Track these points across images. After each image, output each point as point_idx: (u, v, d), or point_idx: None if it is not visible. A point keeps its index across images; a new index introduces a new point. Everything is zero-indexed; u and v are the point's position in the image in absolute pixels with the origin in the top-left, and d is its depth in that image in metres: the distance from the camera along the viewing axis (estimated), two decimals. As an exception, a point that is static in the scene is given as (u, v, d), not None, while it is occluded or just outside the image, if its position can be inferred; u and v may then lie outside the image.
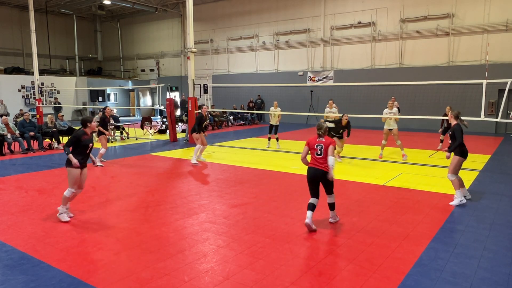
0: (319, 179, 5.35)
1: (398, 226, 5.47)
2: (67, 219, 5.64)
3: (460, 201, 6.44)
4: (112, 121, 14.61)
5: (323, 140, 5.35)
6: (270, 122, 13.00)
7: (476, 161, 10.33)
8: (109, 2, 24.20)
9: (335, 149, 5.66)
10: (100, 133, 10.09)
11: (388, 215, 5.96)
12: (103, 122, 10.46)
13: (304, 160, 5.53)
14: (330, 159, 5.24)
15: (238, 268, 4.18)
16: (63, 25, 30.00)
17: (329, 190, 5.45)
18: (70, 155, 5.60)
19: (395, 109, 10.90)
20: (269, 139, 13.20)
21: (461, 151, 6.58)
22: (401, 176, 8.63)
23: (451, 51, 18.12)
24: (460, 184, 6.60)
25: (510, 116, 16.05)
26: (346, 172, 9.04)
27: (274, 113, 12.70)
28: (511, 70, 15.77)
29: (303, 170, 9.30)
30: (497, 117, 12.50)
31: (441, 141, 12.63)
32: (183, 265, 4.26)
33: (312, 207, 5.32)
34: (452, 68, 17.91)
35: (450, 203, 6.48)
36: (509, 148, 12.81)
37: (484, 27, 17.26)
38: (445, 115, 12.21)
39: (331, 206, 5.56)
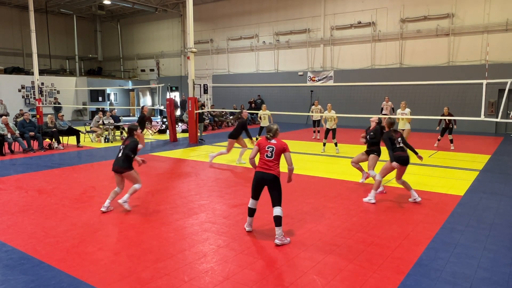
0: (266, 183, 4.99)
1: (398, 226, 5.47)
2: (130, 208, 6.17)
3: (370, 200, 6.57)
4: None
5: (275, 142, 5.01)
6: (261, 124, 13.53)
7: (476, 161, 10.34)
8: (109, 2, 24.20)
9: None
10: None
11: (388, 215, 5.96)
12: (142, 120, 11.07)
13: (252, 161, 5.16)
14: (290, 170, 5.05)
15: (238, 268, 4.18)
16: (63, 25, 30.00)
17: (277, 200, 4.95)
18: (136, 158, 6.29)
19: (407, 110, 11.04)
20: (257, 138, 13.40)
21: (396, 158, 6.41)
22: (401, 176, 8.63)
23: (451, 51, 18.12)
24: (378, 186, 6.68)
25: (510, 116, 16.04)
26: (346, 172, 9.03)
27: (264, 116, 13.43)
28: (511, 70, 15.77)
29: (302, 170, 9.33)
30: (497, 117, 12.50)
31: (438, 140, 12.89)
32: (183, 265, 4.26)
33: (251, 212, 5.18)
34: (452, 68, 17.91)
35: (364, 199, 6.66)
36: (509, 148, 12.81)
37: (484, 27, 17.26)
38: (443, 115, 12.38)
39: (277, 221, 4.84)
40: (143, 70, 30.85)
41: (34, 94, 21.76)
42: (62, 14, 28.95)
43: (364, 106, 18.94)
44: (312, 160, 10.75)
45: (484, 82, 9.44)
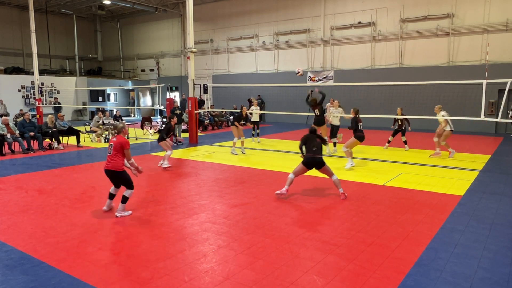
0: (109, 175, 5.86)
1: (398, 226, 5.47)
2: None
3: (351, 165, 9.28)
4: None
5: (115, 140, 5.84)
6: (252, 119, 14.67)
7: (476, 161, 10.34)
8: (109, 2, 24.20)
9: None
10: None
11: (388, 215, 5.96)
12: (239, 119, 12.10)
13: None
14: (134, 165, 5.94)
15: (238, 268, 4.18)
16: (63, 25, 30.00)
17: (125, 185, 5.88)
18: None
19: (442, 112, 10.76)
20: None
21: (357, 136, 9.22)
22: (401, 176, 8.63)
23: (451, 51, 18.12)
24: (351, 154, 9.46)
25: (510, 116, 16.05)
26: (346, 172, 9.03)
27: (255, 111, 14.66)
28: (511, 70, 15.77)
29: (303, 170, 9.32)
30: (497, 117, 12.49)
31: (389, 141, 12.67)
32: (183, 265, 4.26)
33: (111, 196, 6.09)
34: (452, 68, 17.91)
35: (346, 167, 9.22)
36: (509, 148, 12.81)
37: (484, 27, 17.26)
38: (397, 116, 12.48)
39: (123, 199, 5.87)
40: (143, 70, 30.85)
41: (34, 94, 21.77)
42: (62, 14, 28.94)
43: (364, 106, 18.87)
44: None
45: (484, 82, 9.44)
